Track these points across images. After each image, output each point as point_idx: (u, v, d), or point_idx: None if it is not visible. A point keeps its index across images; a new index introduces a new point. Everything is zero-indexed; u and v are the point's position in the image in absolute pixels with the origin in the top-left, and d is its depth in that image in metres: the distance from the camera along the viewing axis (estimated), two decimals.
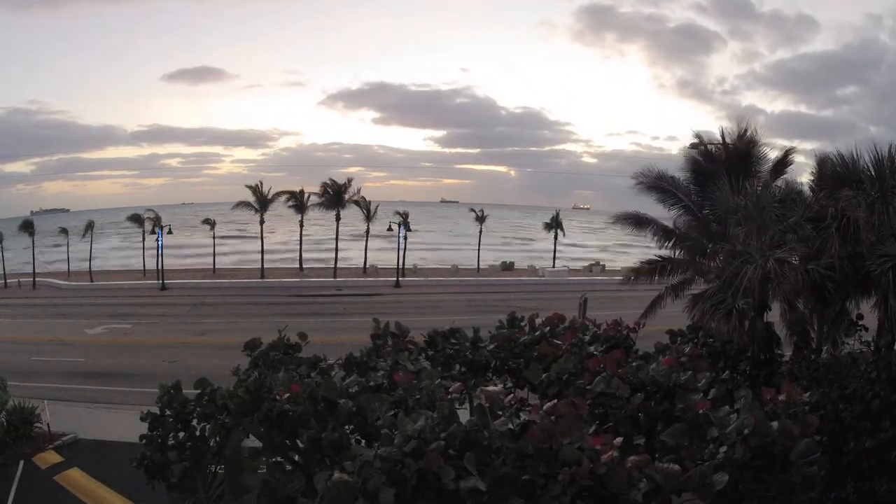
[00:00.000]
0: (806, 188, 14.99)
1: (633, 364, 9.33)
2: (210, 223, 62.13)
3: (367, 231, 58.05)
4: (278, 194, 57.26)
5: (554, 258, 65.43)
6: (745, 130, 15.42)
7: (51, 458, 15.86)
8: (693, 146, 15.98)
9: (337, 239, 56.83)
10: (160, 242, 53.09)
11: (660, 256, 15.71)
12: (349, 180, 57.19)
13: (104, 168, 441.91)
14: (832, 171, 14.19)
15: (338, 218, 57.26)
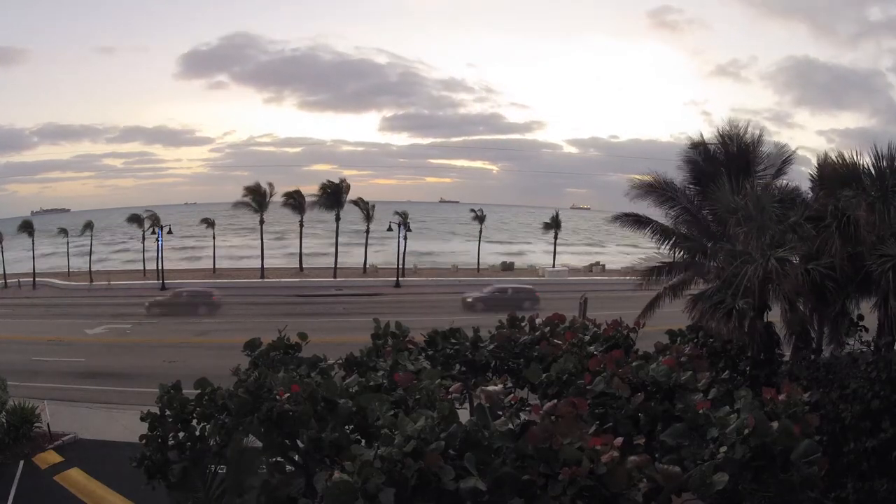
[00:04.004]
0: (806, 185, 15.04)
1: (633, 364, 9.32)
2: (209, 223, 62.51)
3: (367, 231, 58.10)
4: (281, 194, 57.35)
5: (554, 258, 65.43)
6: (742, 131, 15.42)
7: (51, 458, 15.86)
8: (693, 146, 15.96)
9: (337, 239, 56.86)
10: (160, 243, 53.17)
11: (661, 262, 15.68)
12: (343, 180, 57.35)
13: (48, 170, 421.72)
14: (832, 171, 14.20)
15: (337, 218, 57.31)
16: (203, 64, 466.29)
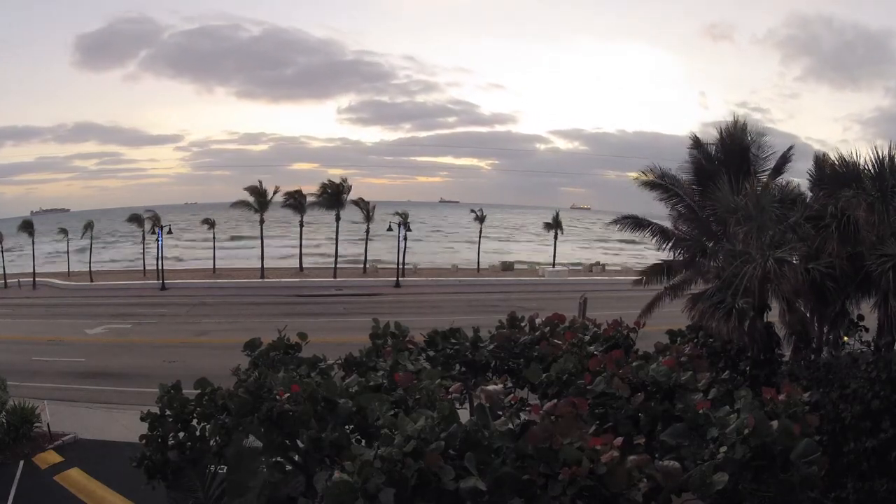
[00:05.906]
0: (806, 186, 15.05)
1: (633, 364, 9.33)
2: (210, 223, 62.56)
3: (367, 231, 58.10)
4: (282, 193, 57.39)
5: (554, 258, 65.43)
6: (741, 128, 15.42)
7: (51, 458, 15.86)
8: (694, 146, 15.96)
9: (337, 240, 56.89)
10: (160, 242, 53.20)
11: (663, 259, 15.74)
12: (343, 179, 57.34)
13: (18, 173, 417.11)
14: (832, 171, 14.21)
15: (337, 218, 57.31)
16: (111, 47, 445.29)
